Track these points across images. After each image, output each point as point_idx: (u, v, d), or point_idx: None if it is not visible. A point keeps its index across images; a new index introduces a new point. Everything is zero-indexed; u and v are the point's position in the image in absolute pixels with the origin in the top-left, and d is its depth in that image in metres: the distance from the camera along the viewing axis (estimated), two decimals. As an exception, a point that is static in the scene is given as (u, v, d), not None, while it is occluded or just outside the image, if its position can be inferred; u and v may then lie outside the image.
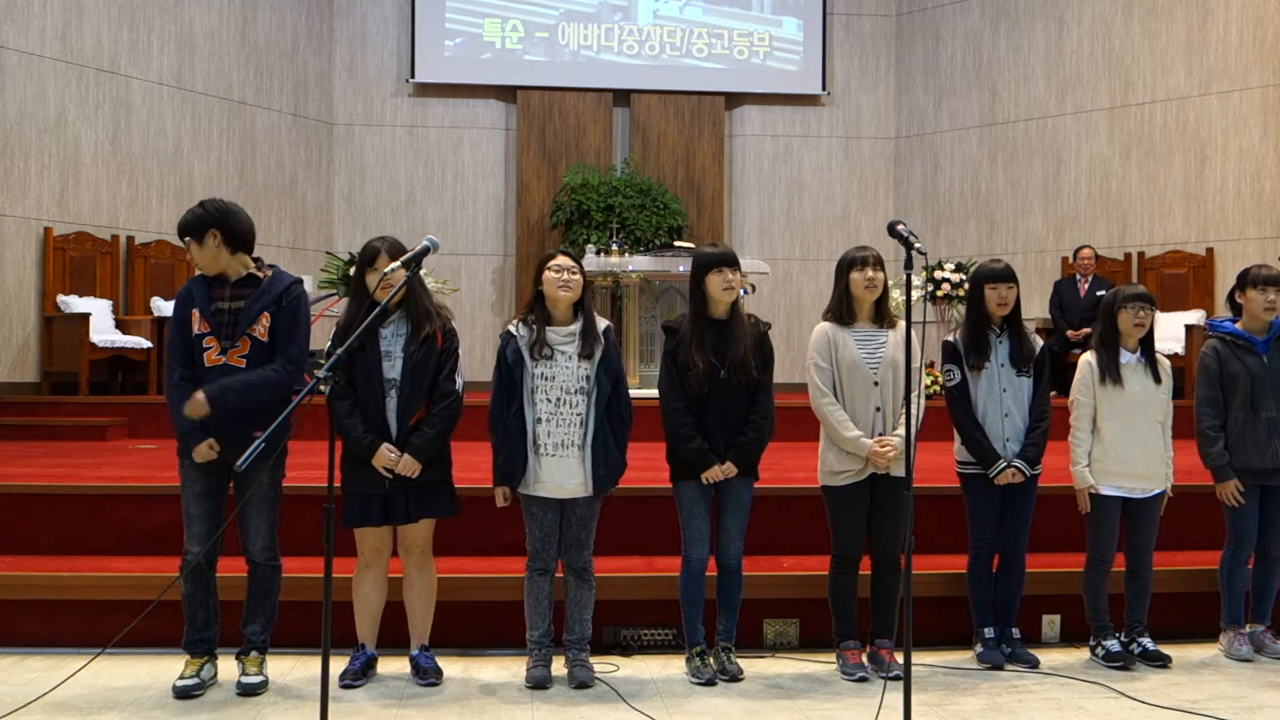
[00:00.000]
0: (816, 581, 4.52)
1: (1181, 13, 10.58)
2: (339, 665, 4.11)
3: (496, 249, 12.29)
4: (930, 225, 12.16)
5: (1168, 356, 4.80)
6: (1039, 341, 4.64)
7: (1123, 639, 4.57)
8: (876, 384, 4.32)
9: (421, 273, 4.03)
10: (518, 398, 4.19)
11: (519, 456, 4.16)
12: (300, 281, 4.22)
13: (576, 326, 4.25)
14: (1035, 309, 10.09)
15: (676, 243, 10.60)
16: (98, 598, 4.54)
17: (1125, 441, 4.52)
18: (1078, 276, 9.89)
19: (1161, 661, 4.47)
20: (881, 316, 4.41)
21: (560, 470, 4.17)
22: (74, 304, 9.15)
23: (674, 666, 4.43)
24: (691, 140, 12.28)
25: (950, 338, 4.64)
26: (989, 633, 4.53)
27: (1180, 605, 4.85)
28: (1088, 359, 4.62)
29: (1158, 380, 4.58)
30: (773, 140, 12.55)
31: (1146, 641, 4.54)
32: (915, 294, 8.55)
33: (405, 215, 12.07)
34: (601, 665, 4.38)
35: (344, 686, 4.10)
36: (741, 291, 4.38)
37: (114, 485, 5.25)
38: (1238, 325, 4.76)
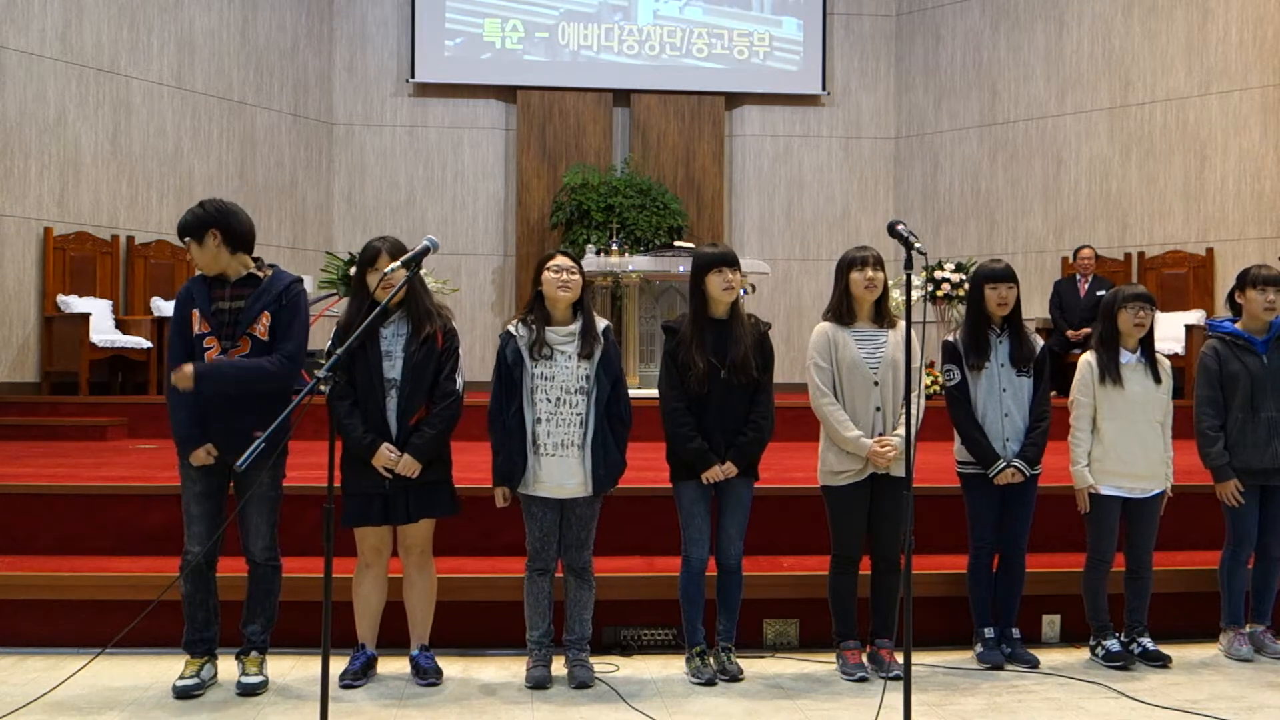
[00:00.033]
0: (816, 581, 4.52)
1: (1181, 13, 10.58)
2: (339, 665, 4.11)
3: (496, 249, 12.29)
4: (930, 225, 12.16)
5: (1168, 356, 4.80)
6: (1039, 341, 4.64)
7: (1123, 639, 4.57)
8: (876, 384, 4.32)
9: (421, 273, 4.03)
10: (517, 398, 4.19)
11: (518, 456, 4.16)
12: (300, 280, 4.22)
13: (576, 326, 4.25)
14: (1035, 309, 10.09)
15: (676, 243, 10.60)
16: (98, 598, 4.54)
17: (1125, 441, 4.52)
18: (1078, 276, 9.89)
19: (1161, 661, 4.47)
20: (881, 316, 4.41)
21: (560, 470, 4.17)
22: (74, 304, 9.16)
23: (674, 666, 4.43)
24: (691, 140, 12.28)
25: (950, 338, 4.64)
26: (989, 633, 4.53)
27: (1180, 605, 4.85)
28: (1088, 359, 4.62)
29: (1158, 380, 4.58)
30: (773, 140, 12.55)
31: (1146, 641, 4.54)
32: (915, 294, 8.55)
33: (405, 215, 12.07)
34: (601, 665, 4.38)
35: (344, 686, 4.10)
36: (741, 291, 4.38)
37: (114, 485, 5.25)
38: (1237, 325, 4.76)
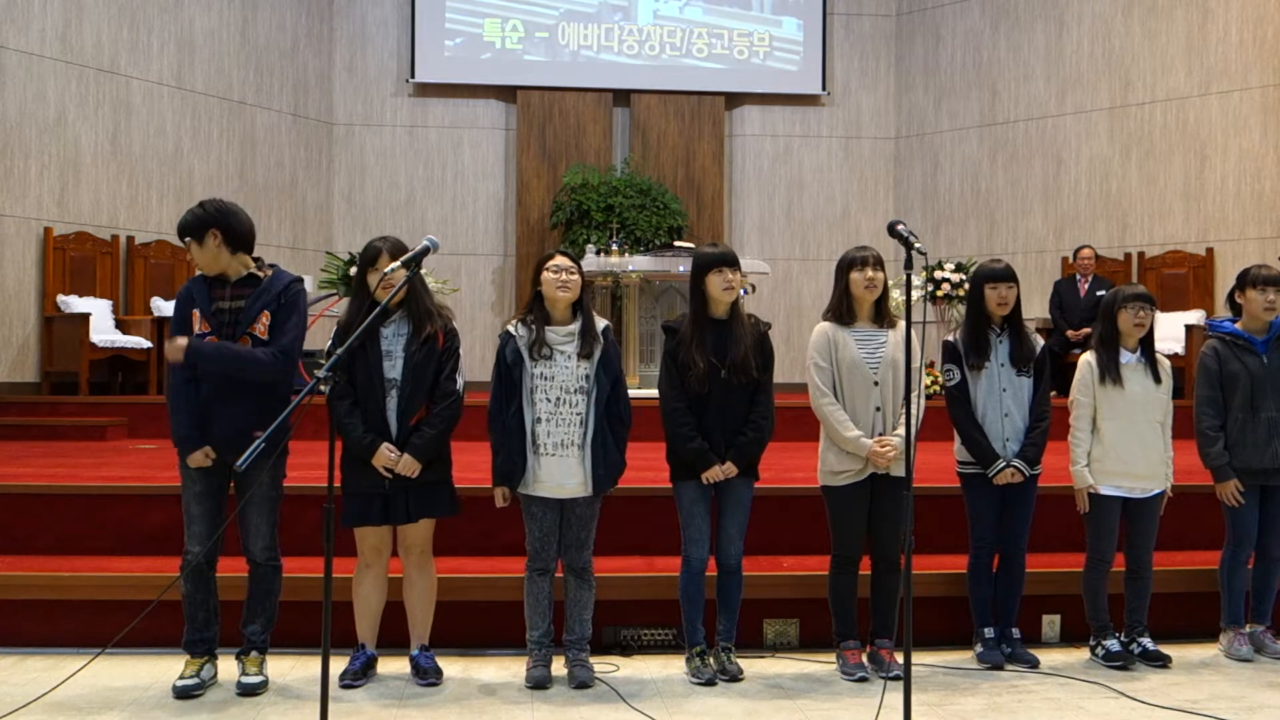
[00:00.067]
0: (816, 581, 4.52)
1: (1181, 13, 10.58)
2: (339, 665, 4.11)
3: (496, 249, 12.29)
4: (930, 225, 12.16)
5: (1168, 356, 4.80)
6: (1039, 341, 4.64)
7: (1123, 639, 4.57)
8: (876, 384, 4.32)
9: (422, 272, 4.04)
10: (517, 397, 4.19)
11: (518, 456, 4.16)
12: (300, 280, 4.22)
13: (575, 326, 4.25)
14: (1035, 309, 10.09)
15: (676, 243, 10.60)
16: (98, 598, 4.54)
17: (1125, 441, 4.52)
18: (1078, 276, 9.89)
19: (1161, 661, 4.47)
20: (881, 316, 4.41)
21: (560, 470, 4.17)
22: (74, 304, 9.16)
23: (674, 666, 4.43)
24: (691, 140, 12.28)
25: (950, 337, 4.64)
26: (989, 633, 4.53)
27: (1180, 605, 4.85)
28: (1087, 359, 4.62)
29: (1158, 380, 4.58)
30: (773, 140, 12.55)
31: (1146, 641, 4.54)
32: (915, 294, 8.55)
33: (405, 215, 12.07)
34: (601, 665, 4.38)
35: (344, 686, 4.10)
36: (741, 291, 4.38)
37: (114, 485, 5.25)
38: (1237, 325, 4.76)
